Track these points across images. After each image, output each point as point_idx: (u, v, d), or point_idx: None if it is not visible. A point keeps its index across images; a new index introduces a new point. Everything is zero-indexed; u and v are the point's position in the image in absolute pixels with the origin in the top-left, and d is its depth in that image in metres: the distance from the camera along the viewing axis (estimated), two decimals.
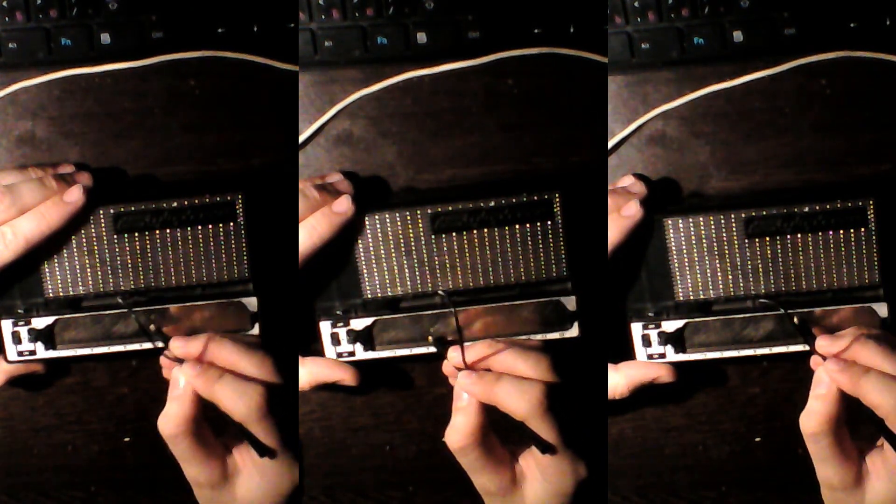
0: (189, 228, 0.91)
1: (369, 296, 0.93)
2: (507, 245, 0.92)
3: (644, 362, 0.93)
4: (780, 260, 0.92)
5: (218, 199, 0.91)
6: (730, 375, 0.98)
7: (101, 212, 0.90)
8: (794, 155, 0.96)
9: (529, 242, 0.92)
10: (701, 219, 0.92)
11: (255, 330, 0.92)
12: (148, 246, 0.91)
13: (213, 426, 0.87)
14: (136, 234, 0.91)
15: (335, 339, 0.93)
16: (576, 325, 0.93)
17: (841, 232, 0.92)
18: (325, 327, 0.93)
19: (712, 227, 0.92)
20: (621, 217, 0.91)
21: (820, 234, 0.92)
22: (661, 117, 0.96)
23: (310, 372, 0.92)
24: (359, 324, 0.93)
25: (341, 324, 0.93)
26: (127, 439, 0.97)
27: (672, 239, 0.92)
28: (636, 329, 0.93)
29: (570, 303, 0.93)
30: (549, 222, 0.92)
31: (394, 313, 0.93)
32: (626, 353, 0.94)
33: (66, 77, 0.95)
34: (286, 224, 0.91)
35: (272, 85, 0.96)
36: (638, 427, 0.98)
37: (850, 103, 0.95)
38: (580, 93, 0.96)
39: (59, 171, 0.92)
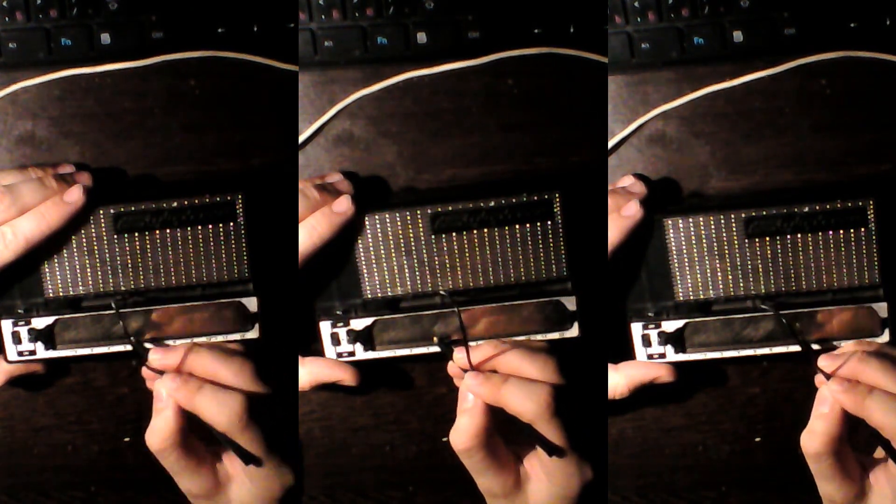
0: (189, 228, 0.91)
1: (369, 296, 0.93)
2: (507, 245, 0.92)
3: (644, 362, 0.93)
4: (780, 260, 0.92)
5: (218, 199, 0.91)
6: (730, 375, 0.98)
7: (101, 212, 0.90)
8: (794, 155, 0.96)
9: (529, 242, 0.92)
10: (701, 219, 0.92)
11: (256, 330, 0.92)
12: (148, 246, 0.91)
13: (203, 435, 0.87)
14: (136, 234, 0.91)
15: (335, 339, 0.93)
16: (576, 325, 0.93)
17: (841, 232, 0.92)
18: (325, 327, 0.93)
19: (712, 227, 0.92)
20: (621, 217, 0.91)
21: (820, 234, 0.92)
22: (661, 117, 0.96)
23: (310, 372, 0.92)
24: (359, 324, 0.93)
25: (341, 324, 0.93)
26: (127, 439, 0.97)
27: (672, 239, 0.92)
28: (636, 329, 0.93)
29: (570, 303, 0.93)
30: (549, 222, 0.92)
31: (394, 313, 0.93)
32: (626, 353, 0.94)
33: (66, 77, 0.95)
34: (286, 224, 0.91)
35: (272, 85, 0.96)
36: (638, 427, 0.98)
37: (850, 103, 0.95)
38: (580, 93, 0.96)
39: (59, 171, 0.92)
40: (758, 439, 0.98)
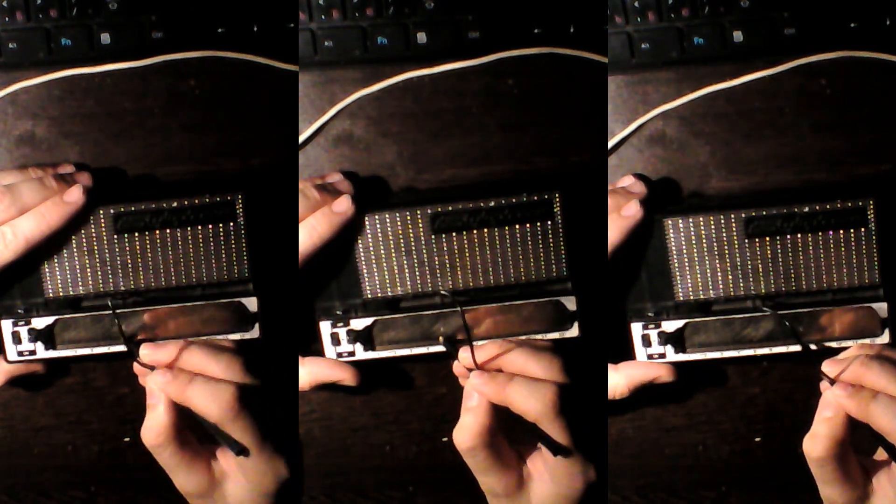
0: (189, 228, 0.91)
1: (369, 296, 0.93)
2: (507, 245, 0.92)
3: (644, 362, 0.93)
4: (780, 260, 0.92)
5: (218, 199, 0.91)
6: (730, 375, 0.98)
7: (101, 212, 0.90)
8: (794, 155, 0.96)
9: (529, 242, 0.92)
10: (701, 219, 0.92)
11: (256, 330, 0.92)
12: (148, 246, 0.91)
13: (198, 431, 0.87)
14: (136, 234, 0.91)
15: (335, 339, 0.93)
16: (576, 325, 0.93)
17: (841, 232, 0.92)
18: (325, 327, 0.93)
19: (712, 227, 0.92)
20: (621, 217, 0.91)
21: (820, 234, 0.92)
22: (661, 117, 0.96)
23: (310, 372, 0.92)
24: (359, 324, 0.93)
25: (341, 324, 0.93)
26: (127, 439, 0.97)
27: (672, 239, 0.92)
28: (636, 329, 0.93)
29: (570, 303, 0.93)
30: (549, 222, 0.92)
31: (394, 313, 0.93)
32: (626, 353, 0.94)
33: (66, 77, 0.95)
34: (286, 224, 0.91)
35: (272, 85, 0.96)
36: (638, 427, 0.98)
37: (850, 103, 0.95)
38: (580, 93, 0.96)
39: (59, 171, 0.92)
40: (758, 439, 0.98)
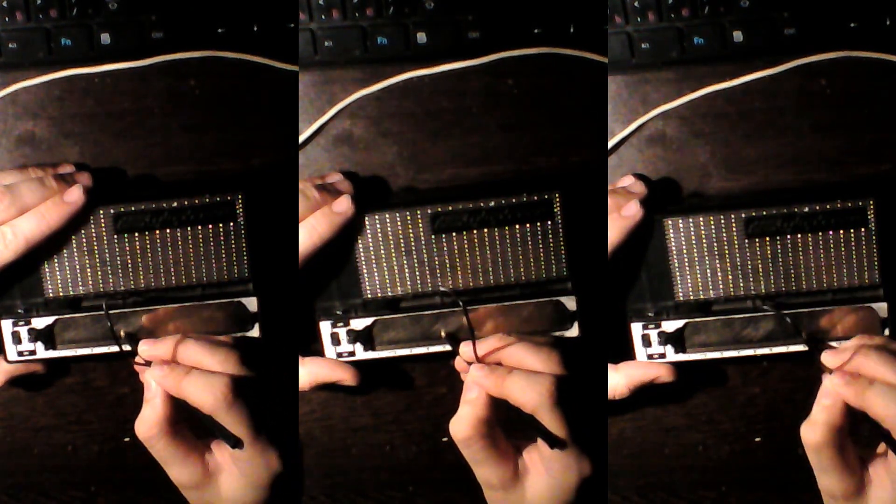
0: (189, 228, 0.91)
1: (369, 296, 0.93)
2: (507, 245, 0.92)
3: (644, 362, 0.93)
4: (780, 260, 0.92)
5: (218, 199, 0.91)
6: (730, 375, 0.98)
7: (101, 212, 0.90)
8: (794, 155, 0.96)
9: (529, 242, 0.92)
10: (701, 219, 0.92)
11: (256, 330, 0.92)
12: (148, 246, 0.91)
13: (194, 425, 0.88)
14: (136, 234, 0.91)
15: (335, 339, 0.93)
16: (576, 325, 0.93)
17: (841, 232, 0.92)
18: (325, 327, 0.93)
19: (712, 227, 0.92)
20: (621, 217, 0.91)
21: (820, 234, 0.92)
22: (661, 117, 0.96)
23: (310, 372, 0.92)
24: (359, 324, 0.93)
25: (341, 324, 0.93)
26: (127, 439, 0.97)
27: (672, 239, 0.92)
28: (636, 329, 0.93)
29: (570, 303, 0.93)
30: (549, 222, 0.92)
31: (394, 313, 0.93)
32: (626, 353, 0.94)
33: (66, 77, 0.95)
34: (286, 224, 0.91)
35: (272, 85, 0.96)
36: (638, 427, 0.98)
37: (850, 103, 0.95)
38: (580, 93, 0.96)
39: (59, 171, 0.92)
40: (758, 439, 0.98)
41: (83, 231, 0.90)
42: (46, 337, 0.92)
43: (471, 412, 0.87)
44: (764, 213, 0.92)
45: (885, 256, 0.92)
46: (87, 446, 0.98)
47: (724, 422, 0.98)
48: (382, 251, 0.92)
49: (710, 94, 0.96)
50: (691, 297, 0.93)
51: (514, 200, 0.92)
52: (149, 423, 0.86)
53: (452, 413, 0.88)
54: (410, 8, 0.95)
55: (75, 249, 0.91)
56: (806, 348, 0.91)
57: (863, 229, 0.91)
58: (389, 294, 0.93)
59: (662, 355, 0.93)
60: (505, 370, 0.87)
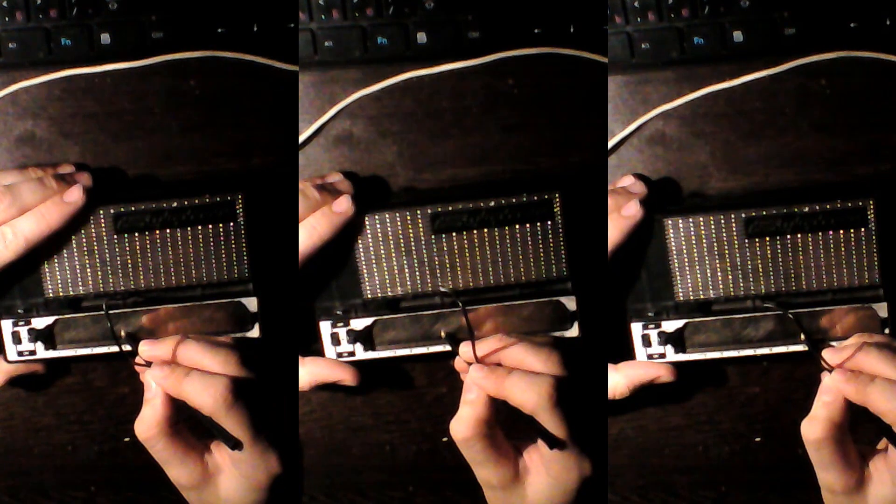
0: (189, 228, 0.91)
1: (369, 296, 0.93)
2: (507, 245, 0.92)
3: (644, 362, 0.93)
4: (780, 260, 0.92)
5: (218, 199, 0.91)
6: (730, 375, 0.98)
7: (101, 212, 0.90)
8: (794, 155, 0.96)
9: (529, 242, 0.92)
10: (701, 219, 0.92)
11: (256, 330, 0.92)
12: (148, 246, 0.91)
13: (194, 426, 0.88)
14: (136, 234, 0.91)
15: (335, 339, 0.93)
16: (576, 325, 0.93)
17: (841, 232, 0.92)
18: (325, 327, 0.93)
19: (712, 227, 0.92)
20: (621, 217, 0.91)
21: (820, 234, 0.92)
22: (661, 117, 0.96)
23: (310, 372, 0.92)
24: (359, 324, 0.93)
25: (341, 324, 0.93)
26: (127, 439, 0.97)
27: (672, 239, 0.92)
28: (636, 329, 0.93)
29: (570, 303, 0.93)
30: (549, 222, 0.92)
31: (394, 313, 0.93)
32: (626, 353, 0.94)
33: (66, 77, 0.95)
34: (286, 224, 0.91)
35: (272, 85, 0.96)
36: (638, 427, 0.98)
37: (850, 103, 0.95)
38: (580, 93, 0.96)
39: (59, 171, 0.92)
40: (758, 439, 0.98)
41: (83, 231, 0.90)
42: (46, 337, 0.92)
43: (471, 413, 0.87)
44: (764, 213, 0.92)
45: (885, 256, 0.92)
46: (87, 446, 0.97)
47: (724, 422, 0.98)
48: (382, 251, 0.92)
49: (710, 94, 0.96)
50: (691, 297, 0.93)
51: (514, 200, 0.92)
52: (148, 423, 0.86)
53: (452, 413, 0.88)
54: (410, 8, 0.95)
55: (75, 249, 0.91)
56: (806, 348, 0.91)
57: (863, 229, 0.91)
58: (389, 294, 0.93)
59: (662, 355, 0.93)
60: (505, 371, 0.87)
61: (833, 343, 0.91)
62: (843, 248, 0.92)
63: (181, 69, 0.95)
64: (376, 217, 0.92)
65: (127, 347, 0.89)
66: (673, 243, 0.92)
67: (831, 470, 0.85)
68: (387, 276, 0.93)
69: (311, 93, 0.96)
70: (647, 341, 0.93)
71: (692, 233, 0.92)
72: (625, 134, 0.96)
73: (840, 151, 0.96)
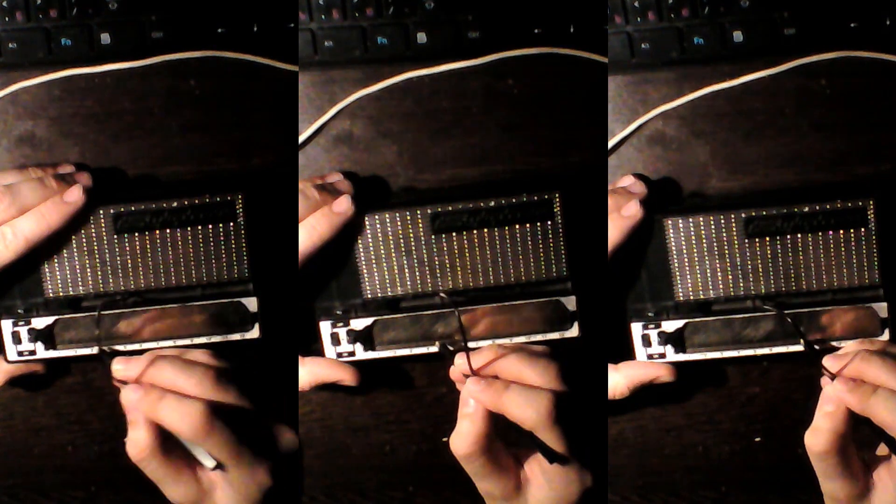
0: (189, 228, 0.91)
1: (369, 296, 0.93)
2: (507, 245, 0.92)
3: (644, 362, 0.93)
4: (780, 260, 0.92)
5: (218, 199, 0.91)
6: (730, 375, 0.98)
7: (101, 212, 0.90)
8: (794, 155, 0.96)
9: (529, 242, 0.92)
10: (701, 219, 0.92)
11: (256, 330, 0.92)
12: (148, 246, 0.91)
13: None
14: (136, 234, 0.91)
15: (335, 339, 0.93)
16: (576, 325, 0.93)
17: (841, 232, 0.92)
18: (325, 327, 0.93)
19: (712, 227, 0.92)
20: (621, 217, 0.91)
21: (820, 234, 0.92)
22: (661, 117, 0.96)
23: (310, 372, 0.92)
24: (359, 324, 0.93)
25: (341, 324, 0.93)
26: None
27: (672, 239, 0.92)
28: (636, 329, 0.93)
29: (570, 303, 0.93)
30: (549, 222, 0.92)
31: (394, 313, 0.93)
32: (626, 353, 0.94)
33: (66, 77, 0.95)
34: (286, 224, 0.91)
35: (272, 85, 0.96)
36: (638, 427, 0.98)
37: (850, 103, 0.95)
38: (580, 93, 0.96)
39: (59, 171, 0.92)
40: (758, 439, 0.98)
41: (83, 231, 0.90)
42: (46, 337, 0.92)
43: (470, 427, 0.86)
44: (764, 213, 0.92)
45: (885, 256, 0.92)
46: (87, 446, 0.97)
47: (724, 422, 0.98)
48: (382, 251, 0.92)
49: (710, 94, 0.96)
50: (691, 297, 0.93)
51: (514, 200, 0.92)
52: (139, 445, 0.84)
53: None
54: (410, 8, 0.95)
55: (75, 249, 0.91)
56: (805, 349, 0.91)
57: (863, 229, 0.91)
58: (389, 294, 0.93)
59: (662, 355, 0.93)
60: (502, 385, 0.86)
61: (833, 343, 0.91)
62: (843, 248, 0.92)
63: (181, 69, 0.95)
64: (376, 217, 0.92)
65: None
66: (673, 243, 0.92)
67: (836, 480, 0.85)
68: (387, 276, 0.93)
69: (311, 93, 0.96)
70: (647, 341, 0.93)
71: (692, 233, 0.92)
72: (625, 134, 0.96)
73: (840, 151, 0.96)
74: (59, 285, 0.91)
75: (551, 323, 0.93)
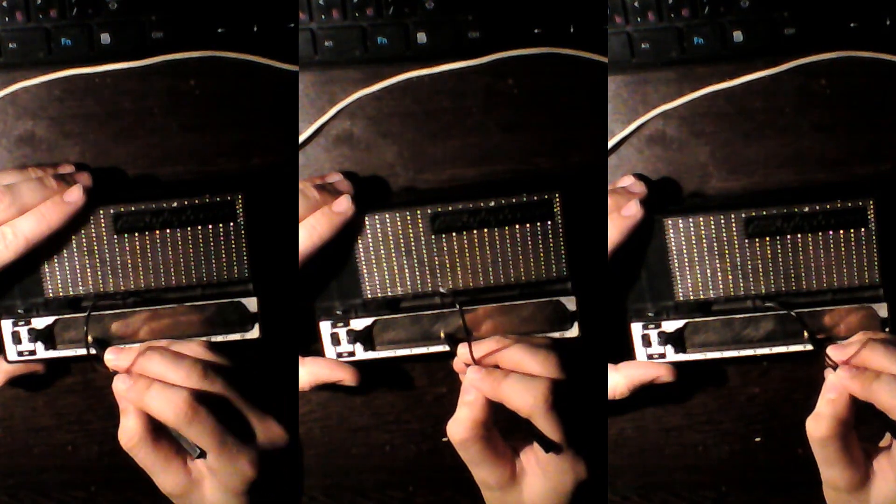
0: (189, 228, 0.91)
1: (369, 296, 0.93)
2: (507, 245, 0.92)
3: (644, 362, 0.93)
4: (780, 260, 0.92)
5: (218, 199, 0.91)
6: (730, 375, 0.98)
7: (101, 212, 0.90)
8: (794, 155, 0.96)
9: (529, 242, 0.92)
10: (701, 219, 0.92)
11: (256, 330, 0.92)
12: (148, 246, 0.91)
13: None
14: (136, 234, 0.91)
15: (335, 339, 0.93)
16: (576, 325, 0.93)
17: (841, 232, 0.92)
18: (325, 327, 0.93)
19: (712, 227, 0.92)
20: (621, 217, 0.91)
21: (820, 234, 0.92)
22: (661, 117, 0.96)
23: (310, 372, 0.92)
24: (359, 324, 0.93)
25: (341, 324, 0.93)
26: None
27: (672, 239, 0.92)
28: (636, 329, 0.93)
29: (570, 303, 0.93)
30: (549, 222, 0.92)
31: (394, 313, 0.93)
32: (626, 353, 0.94)
33: (66, 77, 0.95)
34: (286, 224, 0.91)
35: (272, 85, 0.96)
36: (638, 427, 0.98)
37: (850, 103, 0.95)
38: (580, 93, 0.96)
39: (59, 171, 0.92)
40: (758, 439, 0.98)
41: (83, 231, 0.90)
42: (46, 337, 0.92)
43: (468, 414, 0.86)
44: (764, 213, 0.92)
45: (885, 256, 0.92)
46: (87, 446, 0.97)
47: (724, 422, 0.98)
48: (382, 251, 0.92)
49: (710, 94, 0.96)
50: (691, 297, 0.93)
51: (514, 200, 0.92)
52: (129, 433, 0.85)
53: (452, 413, 0.88)
54: (410, 8, 0.95)
55: (75, 249, 0.91)
56: (810, 347, 0.91)
57: (863, 229, 0.91)
58: (389, 294, 0.93)
59: (662, 355, 0.93)
60: (502, 373, 0.87)
61: (837, 339, 0.91)
62: (843, 248, 0.92)
63: (181, 69, 0.95)
64: (376, 217, 0.92)
65: (94, 352, 0.89)
66: (673, 243, 0.92)
67: (836, 467, 0.85)
68: (387, 276, 0.93)
69: (311, 93, 0.96)
70: (647, 341, 0.93)
71: (692, 233, 0.92)
72: (625, 134, 0.96)
73: (840, 151, 0.96)
74: (59, 285, 0.91)
75: (551, 323, 0.93)
